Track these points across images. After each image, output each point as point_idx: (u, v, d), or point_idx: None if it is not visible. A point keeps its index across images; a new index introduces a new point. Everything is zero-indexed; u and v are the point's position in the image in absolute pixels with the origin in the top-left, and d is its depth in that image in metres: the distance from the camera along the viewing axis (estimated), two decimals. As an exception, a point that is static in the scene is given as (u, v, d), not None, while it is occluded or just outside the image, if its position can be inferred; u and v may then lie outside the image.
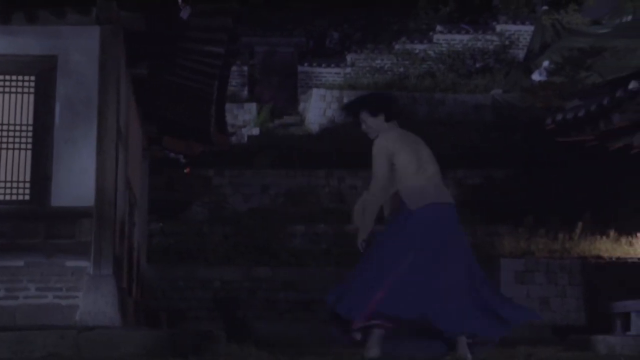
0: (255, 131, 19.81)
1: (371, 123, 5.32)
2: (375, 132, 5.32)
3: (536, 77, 20.00)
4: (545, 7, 21.44)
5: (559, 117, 10.30)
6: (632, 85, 8.80)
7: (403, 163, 5.18)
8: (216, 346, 5.66)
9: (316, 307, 14.28)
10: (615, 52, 15.72)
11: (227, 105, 21.12)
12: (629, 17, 20.36)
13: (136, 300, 9.56)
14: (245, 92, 22.69)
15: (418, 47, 22.34)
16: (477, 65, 21.42)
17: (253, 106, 21.23)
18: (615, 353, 8.82)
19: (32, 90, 6.80)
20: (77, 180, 6.62)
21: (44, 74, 6.79)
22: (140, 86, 8.44)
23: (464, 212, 16.10)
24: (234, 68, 22.44)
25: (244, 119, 20.92)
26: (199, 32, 7.29)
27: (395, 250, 5.04)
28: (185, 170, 12.85)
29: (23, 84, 6.80)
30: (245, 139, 18.72)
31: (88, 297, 6.32)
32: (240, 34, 24.45)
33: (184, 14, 6.38)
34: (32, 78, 6.81)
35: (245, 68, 22.78)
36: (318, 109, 20.06)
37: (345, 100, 19.97)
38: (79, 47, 6.77)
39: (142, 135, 10.41)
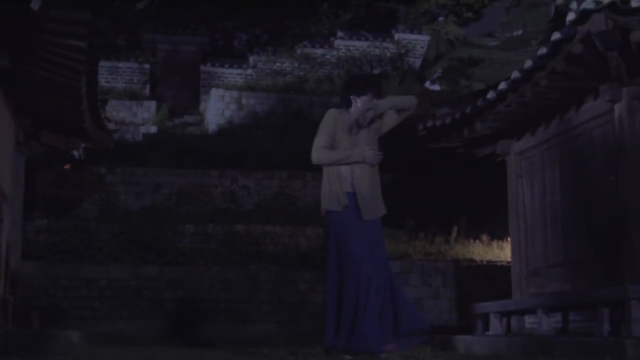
0: (153, 129, 19.71)
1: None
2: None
3: (429, 85, 20.59)
4: (441, 18, 22.11)
5: (429, 123, 10.69)
6: (490, 95, 9.23)
7: None
8: (51, 346, 5.69)
9: (201, 306, 14.35)
10: (493, 64, 16.37)
11: (127, 103, 21.05)
12: (520, 32, 21.28)
13: (3, 298, 9.42)
14: (146, 90, 22.54)
15: (319, 52, 22.69)
16: (374, 71, 21.87)
17: (152, 104, 21.11)
18: (472, 352, 9.26)
19: None
20: None
21: None
22: (5, 78, 8.36)
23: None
24: (134, 65, 22.31)
25: (143, 117, 20.78)
26: (58, 25, 7.30)
27: None
28: (65, 167, 12.69)
29: None
30: (141, 137, 18.58)
31: None
32: (143, 31, 24.14)
33: (35, 4, 6.39)
34: None
35: (147, 66, 22.62)
36: (216, 109, 20.12)
37: (244, 101, 20.09)
38: None
39: (16, 128, 10.27)
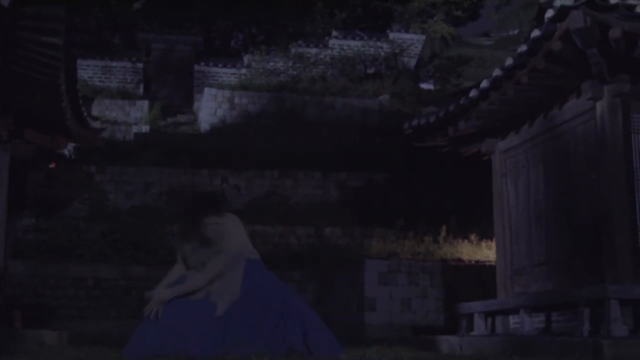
0: (145, 129, 19.66)
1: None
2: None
3: (424, 84, 20.55)
4: (435, 18, 22.06)
5: (415, 122, 10.63)
6: (473, 93, 9.16)
7: None
8: (16, 346, 5.62)
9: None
10: (483, 62, 16.30)
11: (120, 102, 20.98)
12: (516, 31, 21.21)
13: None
14: (140, 90, 22.49)
15: (313, 51, 22.64)
16: (368, 71, 21.80)
17: (145, 103, 21.06)
18: (455, 352, 9.20)
19: None
20: None
21: None
22: (-18, 76, 8.30)
23: (344, 213, 16.49)
24: (128, 65, 22.25)
25: (136, 117, 20.72)
26: (32, 21, 7.25)
27: None
28: (50, 165, 12.63)
29: None
30: (132, 136, 18.53)
31: None
32: (137, 30, 24.09)
33: (5, 1, 6.34)
34: None
35: (140, 65, 22.56)
36: (209, 108, 20.06)
37: (236, 100, 20.04)
38: None
39: (-2, 127, 10.20)
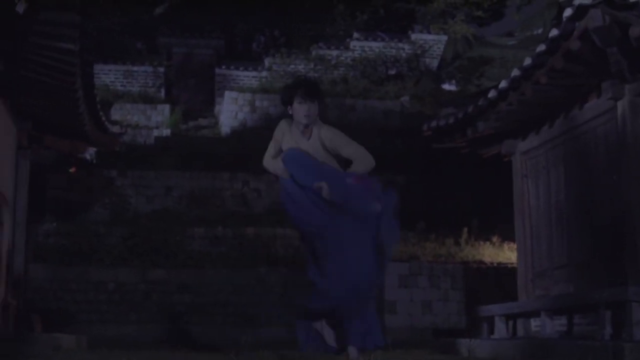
0: (166, 133, 19.71)
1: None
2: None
3: (446, 85, 20.40)
4: (455, 19, 21.87)
5: (434, 124, 10.54)
6: (491, 94, 9.06)
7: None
8: (29, 350, 5.63)
9: (209, 310, 14.29)
10: (504, 63, 16.12)
11: (141, 107, 21.08)
12: (540, 30, 20.98)
13: (4, 302, 9.42)
14: (161, 94, 22.57)
15: (334, 53, 22.56)
16: (390, 72, 21.68)
17: (166, 107, 21.13)
18: (474, 356, 9.08)
19: None
20: None
21: None
22: (2, 83, 8.36)
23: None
24: (149, 69, 22.35)
25: (157, 120, 20.80)
26: (48, 28, 7.28)
27: None
28: (70, 170, 12.71)
29: None
30: (153, 140, 18.59)
31: None
32: (159, 34, 24.14)
33: (20, 7, 6.36)
34: None
35: (161, 69, 22.65)
36: (230, 111, 20.07)
37: (257, 103, 20.03)
38: None
39: (18, 133, 10.27)
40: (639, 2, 7.07)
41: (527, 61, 8.34)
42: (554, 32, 7.72)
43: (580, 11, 7.22)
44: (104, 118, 10.61)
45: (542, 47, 8.01)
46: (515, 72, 8.57)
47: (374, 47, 22.60)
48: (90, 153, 16.93)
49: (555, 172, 9.48)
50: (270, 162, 5.40)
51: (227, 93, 20.35)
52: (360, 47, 22.64)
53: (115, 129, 12.18)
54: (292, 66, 22.06)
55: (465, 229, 13.30)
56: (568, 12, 7.40)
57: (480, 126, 9.60)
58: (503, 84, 8.87)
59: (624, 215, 7.95)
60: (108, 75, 22.23)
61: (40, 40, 7.52)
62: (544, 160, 9.71)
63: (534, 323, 9.59)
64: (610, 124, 8.32)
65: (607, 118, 8.39)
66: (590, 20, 7.14)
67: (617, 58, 7.51)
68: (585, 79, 8.22)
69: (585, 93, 8.63)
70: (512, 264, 12.58)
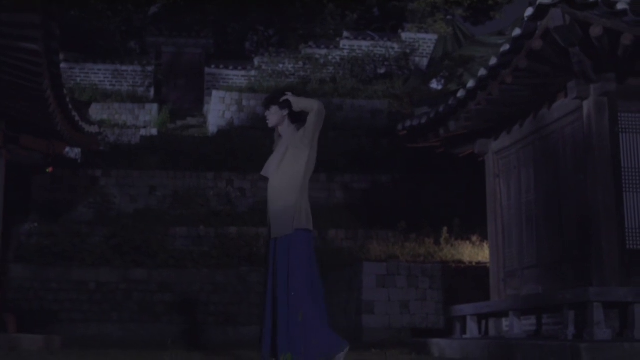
0: (154, 132, 19.70)
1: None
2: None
3: (434, 84, 20.36)
4: (449, 17, 21.81)
5: (408, 123, 10.52)
6: (460, 93, 9.04)
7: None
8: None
9: (190, 309, 14.30)
10: (484, 62, 16.02)
11: (129, 106, 21.07)
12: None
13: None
14: (150, 93, 22.56)
15: (322, 52, 22.52)
16: (379, 71, 21.64)
17: (154, 107, 21.12)
18: (445, 356, 9.09)
19: None
20: None
21: None
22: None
23: (349, 215, 16.39)
24: (138, 68, 22.34)
25: (145, 120, 20.80)
26: (9, 29, 7.27)
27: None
28: (47, 170, 12.70)
29: None
30: (138, 139, 18.58)
31: None
32: (147, 34, 24.09)
33: None
34: None
35: (150, 68, 22.63)
36: (217, 111, 20.07)
37: (245, 102, 20.03)
38: None
39: (-11, 133, 10.27)
40: (599, 2, 7.05)
41: (493, 60, 8.33)
42: (517, 31, 7.71)
43: (541, 10, 7.21)
44: (77, 118, 10.60)
45: (506, 47, 8.00)
46: (482, 72, 8.56)
47: (363, 46, 22.56)
48: (76, 153, 16.95)
49: (525, 172, 9.47)
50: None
51: (214, 92, 20.34)
52: (350, 46, 22.61)
53: (93, 128, 12.17)
54: (281, 65, 22.04)
55: (445, 229, 13.26)
56: (529, 11, 7.39)
57: (451, 126, 9.59)
58: (471, 84, 8.86)
59: (590, 216, 7.94)
60: (97, 75, 22.24)
61: (3, 41, 7.52)
62: (515, 160, 9.71)
63: (505, 323, 9.59)
64: (577, 124, 8.31)
65: (574, 118, 8.38)
66: (551, 20, 7.13)
67: (580, 58, 7.50)
68: (551, 79, 8.21)
69: (553, 93, 8.63)
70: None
